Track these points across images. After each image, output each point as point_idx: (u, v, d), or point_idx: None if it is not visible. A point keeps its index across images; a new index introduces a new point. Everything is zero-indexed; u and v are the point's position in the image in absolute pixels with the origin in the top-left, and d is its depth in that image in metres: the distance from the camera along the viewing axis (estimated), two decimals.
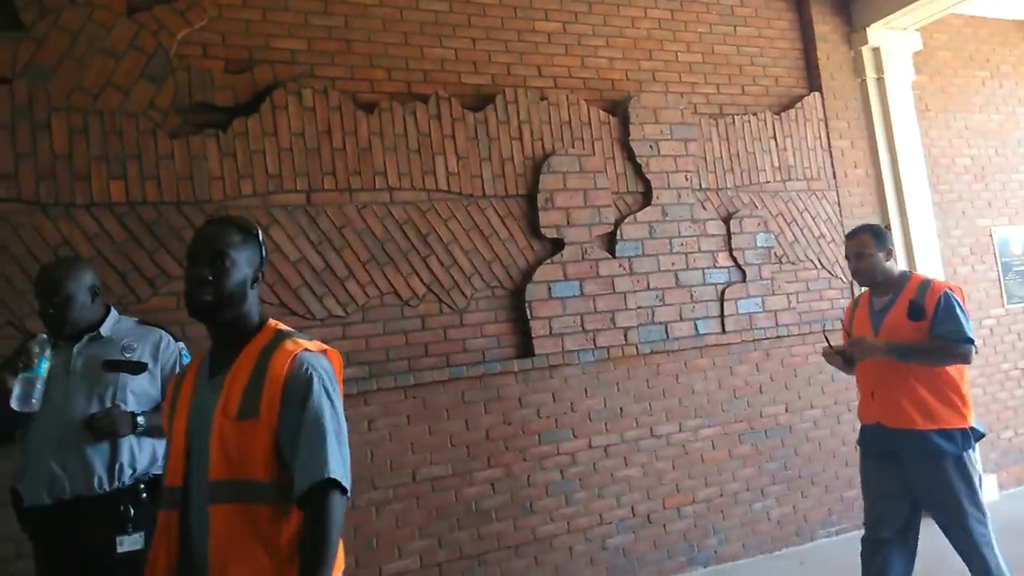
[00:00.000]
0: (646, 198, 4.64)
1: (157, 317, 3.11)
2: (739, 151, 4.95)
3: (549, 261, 4.28)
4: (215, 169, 3.63)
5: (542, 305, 4.22)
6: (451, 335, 4.03)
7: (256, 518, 1.61)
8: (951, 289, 3.11)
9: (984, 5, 5.93)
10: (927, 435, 3.02)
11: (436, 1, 4.24)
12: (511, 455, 4.07)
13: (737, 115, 4.99)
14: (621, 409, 4.38)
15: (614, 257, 4.47)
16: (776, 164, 5.06)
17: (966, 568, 3.06)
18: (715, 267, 4.77)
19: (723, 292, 4.76)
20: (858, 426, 3.32)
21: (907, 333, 3.06)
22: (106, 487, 2.49)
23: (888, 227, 5.33)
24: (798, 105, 5.20)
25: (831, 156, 5.26)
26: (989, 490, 5.31)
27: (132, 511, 2.49)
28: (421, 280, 3.99)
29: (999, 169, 6.02)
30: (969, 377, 3.16)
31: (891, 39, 5.45)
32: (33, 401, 2.41)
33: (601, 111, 4.57)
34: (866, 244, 3.21)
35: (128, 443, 2.52)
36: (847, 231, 3.43)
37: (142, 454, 2.55)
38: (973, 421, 3.07)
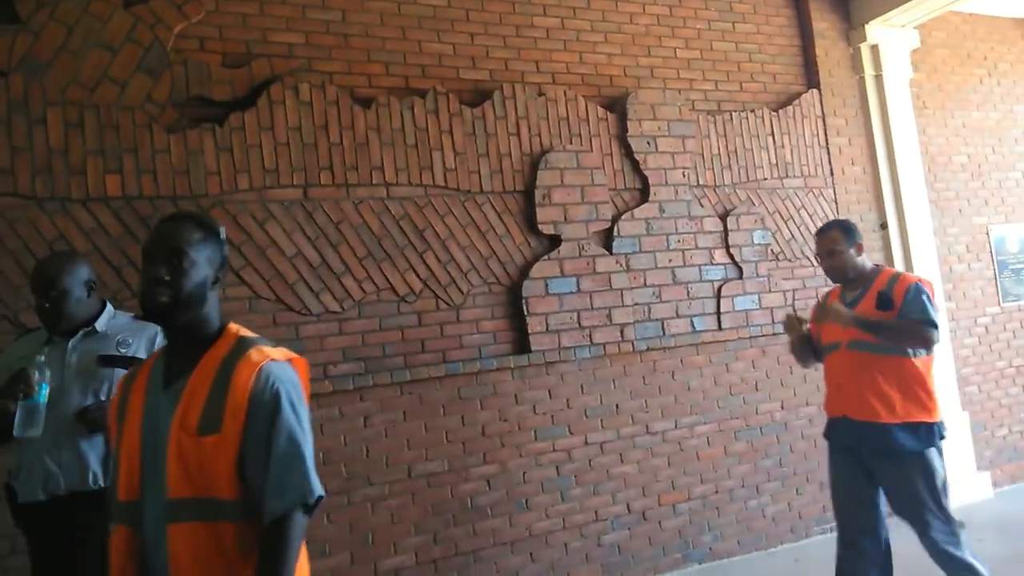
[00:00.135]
0: (643, 195, 4.64)
1: None
2: (737, 148, 4.95)
3: (546, 257, 4.28)
4: (211, 163, 3.62)
5: (539, 301, 4.22)
6: (447, 331, 4.03)
7: (221, 537, 1.54)
8: (921, 282, 3.13)
9: (982, 3, 5.93)
10: (890, 430, 3.03)
11: None
12: (507, 451, 4.07)
13: (735, 112, 4.98)
14: (617, 406, 4.38)
15: (611, 254, 4.46)
16: (774, 161, 5.06)
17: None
18: (712, 264, 4.77)
19: (720, 289, 4.76)
20: None
21: None
22: (100, 482, 2.48)
23: (885, 224, 5.34)
24: (796, 102, 5.20)
25: (829, 153, 5.26)
26: (983, 488, 5.34)
27: None
28: (418, 276, 3.98)
29: (996, 167, 6.02)
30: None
31: (889, 36, 5.45)
32: (34, 428, 2.40)
33: (599, 107, 4.57)
34: (836, 241, 3.22)
35: None
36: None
37: None
38: (940, 417, 3.08)
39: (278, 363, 1.65)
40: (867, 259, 3.30)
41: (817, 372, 4.83)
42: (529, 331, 4.18)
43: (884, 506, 3.18)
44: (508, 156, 4.27)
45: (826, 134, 5.26)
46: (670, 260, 4.64)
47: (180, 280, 1.61)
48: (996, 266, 5.89)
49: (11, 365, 2.60)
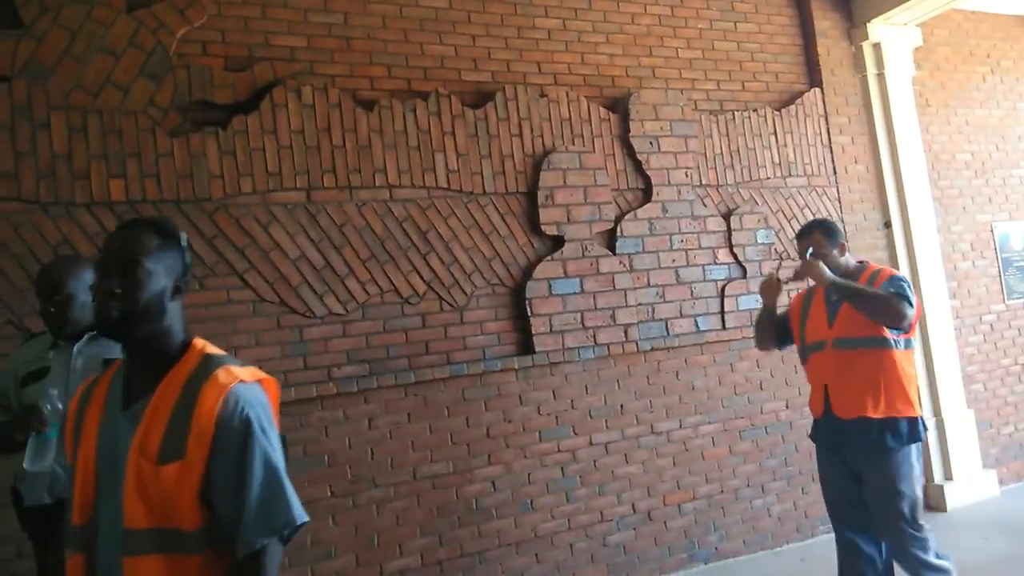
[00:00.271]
0: (646, 195, 4.64)
1: None
2: (739, 147, 4.95)
3: (549, 258, 4.28)
4: (215, 167, 3.63)
5: (542, 302, 4.22)
6: (451, 333, 4.03)
7: (182, 572, 1.44)
8: (901, 275, 3.17)
9: (984, 0, 5.91)
10: (874, 425, 3.05)
11: None
12: (511, 452, 4.07)
13: (737, 111, 4.98)
14: (621, 406, 4.38)
15: (614, 254, 4.46)
16: (776, 160, 5.06)
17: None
18: (715, 263, 4.77)
19: (723, 288, 4.76)
20: None
21: (860, 320, 3.08)
22: None
23: (889, 223, 5.34)
24: (798, 101, 5.20)
25: (831, 152, 5.26)
26: (989, 486, 5.33)
27: None
28: (421, 278, 3.99)
29: (999, 165, 6.01)
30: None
31: (891, 35, 5.44)
32: (44, 461, 2.41)
33: (601, 108, 4.57)
34: (820, 243, 3.23)
35: None
36: (798, 229, 3.46)
37: None
38: (921, 412, 3.13)
39: (247, 385, 1.53)
40: (850, 257, 3.31)
41: None
42: (533, 332, 4.18)
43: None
44: (511, 157, 4.27)
45: (829, 133, 5.26)
46: (673, 260, 4.64)
47: (134, 292, 1.50)
48: (1000, 263, 5.88)
49: (17, 370, 2.62)
